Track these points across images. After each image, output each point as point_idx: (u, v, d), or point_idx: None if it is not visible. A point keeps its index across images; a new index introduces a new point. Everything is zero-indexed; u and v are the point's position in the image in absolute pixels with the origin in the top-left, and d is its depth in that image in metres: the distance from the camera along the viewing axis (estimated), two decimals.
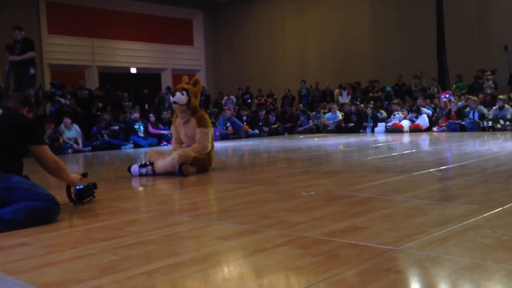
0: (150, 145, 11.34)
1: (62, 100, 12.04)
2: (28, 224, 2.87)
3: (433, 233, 2.32)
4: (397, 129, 12.37)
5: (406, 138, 10.57)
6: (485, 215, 2.66)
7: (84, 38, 17.49)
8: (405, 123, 12.52)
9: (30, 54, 10.28)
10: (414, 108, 13.01)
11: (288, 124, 14.84)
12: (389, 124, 12.83)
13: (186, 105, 5.41)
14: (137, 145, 11.39)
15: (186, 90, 5.40)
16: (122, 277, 1.92)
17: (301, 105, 15.96)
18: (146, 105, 15.19)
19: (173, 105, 5.58)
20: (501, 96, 11.79)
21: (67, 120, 10.82)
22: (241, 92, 17.81)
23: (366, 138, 11.14)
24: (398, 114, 12.97)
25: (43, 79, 15.02)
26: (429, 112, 12.71)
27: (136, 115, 11.89)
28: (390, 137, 10.95)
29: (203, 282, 1.82)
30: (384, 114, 13.73)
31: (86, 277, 1.93)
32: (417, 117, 12.61)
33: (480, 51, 14.73)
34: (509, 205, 2.89)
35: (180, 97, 5.38)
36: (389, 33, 16.45)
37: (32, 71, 10.44)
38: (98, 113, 12.53)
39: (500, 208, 2.81)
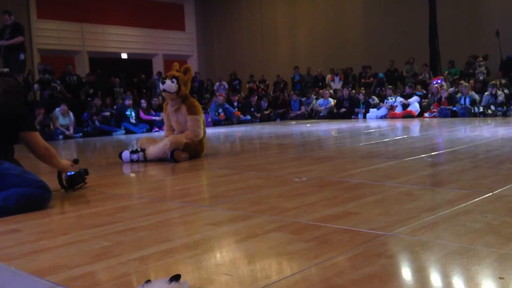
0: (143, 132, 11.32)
1: (58, 87, 11.98)
2: (19, 210, 2.86)
3: (424, 218, 2.34)
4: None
5: (397, 124, 10.60)
6: (475, 200, 2.69)
7: (74, 23, 17.28)
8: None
9: (19, 38, 10.14)
10: (405, 94, 13.05)
11: (280, 110, 14.83)
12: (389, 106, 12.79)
13: (176, 93, 5.37)
14: (129, 132, 11.34)
15: (176, 78, 5.35)
16: (114, 263, 1.92)
17: (292, 92, 15.90)
18: (144, 90, 15.11)
19: (163, 93, 5.54)
20: (493, 82, 11.84)
21: (64, 107, 10.74)
22: (232, 77, 17.73)
23: (358, 124, 11.17)
24: (391, 99, 12.99)
25: (33, 64, 14.86)
26: (418, 98, 12.74)
27: (130, 101, 11.82)
28: (382, 123, 10.98)
29: (196, 268, 1.82)
30: (376, 100, 13.75)
31: (78, 263, 1.92)
32: (408, 104, 12.64)
33: (472, 37, 14.74)
34: (499, 190, 2.92)
35: (170, 85, 5.34)
36: (381, 19, 16.39)
37: (22, 56, 10.31)
38: (89, 99, 12.44)
39: (490, 193, 2.83)
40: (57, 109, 10.74)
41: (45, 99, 11.59)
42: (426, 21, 14.21)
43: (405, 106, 12.69)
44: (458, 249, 1.87)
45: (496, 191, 2.88)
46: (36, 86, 12.03)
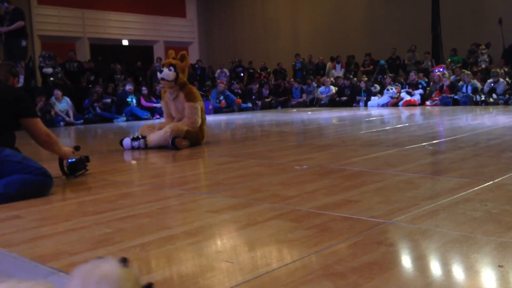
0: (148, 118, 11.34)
1: (59, 74, 11.96)
2: (20, 197, 2.87)
3: (424, 207, 2.35)
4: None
5: (399, 112, 10.58)
6: (476, 188, 2.69)
7: (74, 9, 17.18)
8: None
9: (19, 23, 10.08)
10: (409, 81, 12.99)
11: (282, 98, 14.79)
12: (388, 97, 12.75)
13: (174, 81, 5.36)
14: (134, 116, 11.32)
15: (174, 66, 5.33)
16: (116, 249, 1.93)
17: (293, 79, 15.83)
18: (140, 78, 15.07)
19: (161, 82, 5.53)
20: (494, 70, 11.79)
21: (58, 92, 10.73)
22: (234, 65, 17.66)
23: (359, 112, 11.15)
24: (391, 88, 12.96)
25: (34, 50, 14.81)
26: (421, 91, 12.70)
27: (131, 87, 11.80)
28: (383, 111, 10.96)
29: (196, 255, 1.83)
30: (378, 88, 13.70)
31: (79, 250, 1.93)
32: (412, 93, 12.60)
33: (474, 25, 14.64)
34: (499, 178, 2.92)
35: (167, 73, 5.32)
36: (383, 6, 16.28)
37: (24, 43, 10.28)
38: (90, 85, 12.42)
39: (491, 182, 2.83)
40: (53, 96, 10.75)
41: (49, 85, 11.56)
42: (428, 8, 14.11)
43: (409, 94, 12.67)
44: (458, 238, 1.88)
45: (496, 180, 2.89)
46: (49, 70, 11.91)
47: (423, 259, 1.69)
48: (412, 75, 13.04)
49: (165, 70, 5.35)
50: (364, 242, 1.88)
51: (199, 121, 5.43)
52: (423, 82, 12.92)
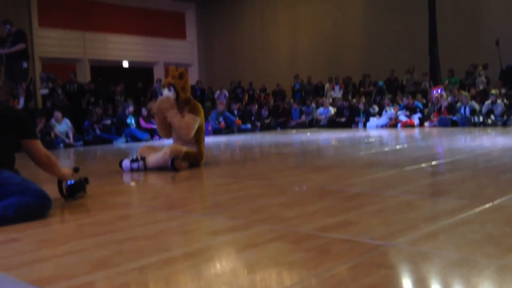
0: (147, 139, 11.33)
1: (60, 95, 12.04)
2: (19, 219, 2.85)
3: (424, 229, 2.34)
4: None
5: (397, 133, 10.61)
6: (476, 210, 2.68)
7: (75, 31, 17.35)
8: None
9: (21, 46, 10.14)
10: (406, 105, 13.04)
11: (281, 119, 14.84)
12: (386, 118, 12.78)
13: (176, 100, 5.39)
14: (133, 138, 11.31)
15: (173, 85, 5.36)
16: (114, 272, 1.91)
17: (293, 100, 15.89)
18: (142, 98, 15.15)
19: None
20: (493, 91, 11.86)
21: (58, 114, 10.75)
22: (233, 86, 17.76)
23: (358, 133, 11.17)
24: (390, 109, 13.01)
25: (34, 72, 14.90)
26: (419, 115, 12.74)
27: (131, 108, 11.84)
28: (382, 132, 10.99)
29: (195, 278, 1.82)
30: (377, 109, 13.76)
31: (78, 273, 1.92)
32: (410, 115, 12.65)
33: (471, 46, 14.78)
34: (499, 200, 2.92)
35: (168, 94, 5.36)
36: (381, 27, 16.46)
37: (25, 65, 10.34)
38: (90, 107, 12.47)
39: (491, 204, 2.83)
40: (53, 118, 10.78)
41: (47, 107, 11.61)
42: (425, 30, 14.26)
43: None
44: (458, 260, 1.87)
45: (496, 201, 2.88)
46: (45, 91, 12.00)
47: (423, 282, 1.68)
48: (406, 100, 13.08)
49: (165, 91, 5.39)
50: (364, 265, 1.87)
51: (193, 133, 5.37)
52: (420, 105, 12.97)
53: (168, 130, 5.58)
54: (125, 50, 18.82)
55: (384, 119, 13.01)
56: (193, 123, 5.32)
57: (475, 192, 3.25)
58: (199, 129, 5.48)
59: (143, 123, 11.99)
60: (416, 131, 11.03)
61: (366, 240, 2.20)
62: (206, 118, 13.05)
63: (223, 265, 2.00)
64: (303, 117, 14.70)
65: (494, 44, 13.28)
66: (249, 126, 13.94)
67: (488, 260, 1.85)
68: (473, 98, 12.24)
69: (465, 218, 2.52)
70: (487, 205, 2.79)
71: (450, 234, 2.23)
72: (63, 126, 10.81)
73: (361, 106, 13.62)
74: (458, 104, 12.09)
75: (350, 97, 14.71)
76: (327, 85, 16.34)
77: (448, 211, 2.68)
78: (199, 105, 5.58)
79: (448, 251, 1.98)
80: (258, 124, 14.21)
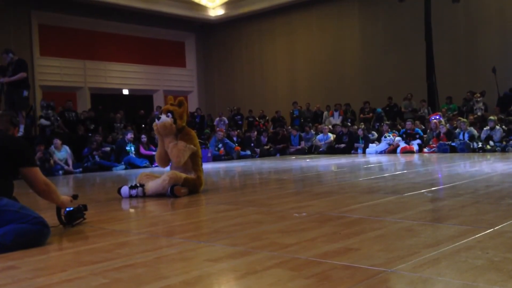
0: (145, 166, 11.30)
1: (58, 123, 12.11)
2: (17, 247, 2.83)
3: (425, 255, 2.32)
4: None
5: (397, 159, 10.61)
6: (477, 236, 2.67)
7: (76, 60, 17.55)
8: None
9: (21, 75, 10.24)
10: (406, 131, 13.07)
11: (280, 145, 14.86)
12: (386, 144, 12.78)
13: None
14: (132, 165, 11.29)
15: (172, 112, 5.38)
16: None
17: (291, 127, 15.94)
18: (143, 125, 15.21)
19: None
20: (491, 117, 11.92)
21: (57, 142, 10.76)
22: (232, 113, 17.85)
23: (357, 159, 11.17)
24: (389, 136, 13.04)
25: (35, 100, 15.00)
26: (419, 141, 12.76)
27: (131, 135, 11.86)
28: (381, 158, 10.99)
29: None
30: (375, 135, 13.79)
31: None
32: (409, 142, 12.67)
33: (469, 73, 14.94)
34: (500, 226, 2.90)
35: (165, 119, 5.35)
36: (379, 55, 16.66)
37: (25, 93, 10.42)
38: (90, 134, 12.50)
39: (491, 229, 2.81)
40: (52, 145, 10.79)
41: (47, 135, 11.64)
42: (423, 56, 14.41)
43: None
44: (460, 286, 1.85)
45: (497, 227, 2.87)
46: (47, 122, 12.11)
47: None
48: (408, 124, 13.11)
49: (163, 116, 5.37)
50: None
51: (184, 159, 5.35)
52: (420, 132, 13.00)
53: (166, 158, 5.58)
54: (126, 78, 18.99)
55: (383, 145, 13.02)
56: (184, 150, 5.32)
57: (475, 218, 3.24)
58: (196, 156, 5.48)
59: (142, 150, 12.00)
60: (416, 157, 11.03)
61: (367, 266, 2.17)
62: (206, 145, 13.07)
63: None
64: (303, 144, 14.72)
65: (490, 72, 13.41)
66: (248, 152, 13.95)
67: (490, 286, 1.83)
68: (471, 124, 12.29)
69: (467, 244, 2.50)
70: (488, 231, 2.78)
71: (452, 260, 2.21)
72: (62, 153, 10.80)
73: (360, 132, 13.66)
74: (457, 130, 12.13)
75: (349, 123, 14.77)
76: (325, 113, 16.44)
77: (449, 237, 2.67)
78: (193, 132, 5.60)
79: (450, 277, 1.96)
80: (258, 150, 14.22)
